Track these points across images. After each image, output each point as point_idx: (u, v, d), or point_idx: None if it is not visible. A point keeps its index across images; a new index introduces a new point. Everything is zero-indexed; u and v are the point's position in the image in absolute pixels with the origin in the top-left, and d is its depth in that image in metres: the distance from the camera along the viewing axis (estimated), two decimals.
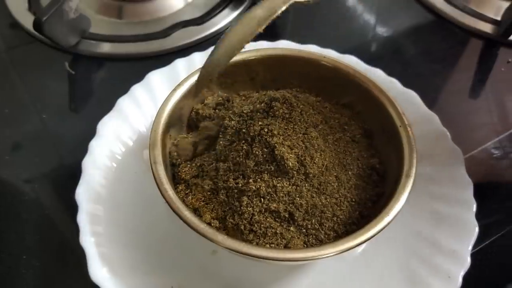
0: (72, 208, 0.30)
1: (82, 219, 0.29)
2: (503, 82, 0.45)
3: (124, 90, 0.36)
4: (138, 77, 0.37)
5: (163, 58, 0.42)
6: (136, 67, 0.42)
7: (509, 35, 0.47)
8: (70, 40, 0.41)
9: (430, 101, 0.38)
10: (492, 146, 0.39)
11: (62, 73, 0.42)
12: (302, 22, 0.50)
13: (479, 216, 0.31)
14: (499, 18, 0.49)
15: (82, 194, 0.30)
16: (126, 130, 0.34)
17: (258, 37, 0.40)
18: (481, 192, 0.33)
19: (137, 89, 0.36)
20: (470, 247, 0.30)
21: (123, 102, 0.35)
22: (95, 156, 0.32)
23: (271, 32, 0.48)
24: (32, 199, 0.34)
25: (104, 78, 0.43)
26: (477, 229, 0.31)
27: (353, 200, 0.29)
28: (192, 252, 0.30)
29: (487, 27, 0.49)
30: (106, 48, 0.43)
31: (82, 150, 0.32)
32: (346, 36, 0.49)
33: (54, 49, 0.43)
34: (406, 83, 0.39)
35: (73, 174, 0.32)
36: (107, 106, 0.35)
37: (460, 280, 0.29)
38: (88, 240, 0.28)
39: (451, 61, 0.47)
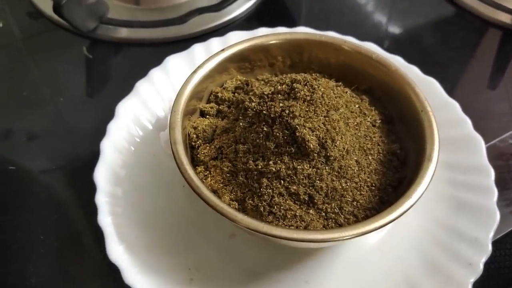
0: (90, 190, 0.30)
1: (100, 199, 0.29)
2: None
3: (141, 74, 0.36)
4: (155, 62, 0.37)
5: (180, 44, 0.42)
6: (153, 52, 0.43)
7: None
8: (88, 25, 0.42)
9: (449, 90, 0.37)
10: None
11: (80, 58, 0.42)
12: (319, 10, 0.50)
13: (499, 205, 0.31)
14: None
15: (101, 174, 0.30)
16: (144, 113, 0.34)
17: (276, 23, 0.40)
18: (500, 182, 0.33)
19: (155, 73, 0.36)
20: (491, 234, 0.30)
21: (142, 86, 0.35)
22: (114, 137, 0.32)
23: (289, 19, 0.48)
24: (49, 180, 0.34)
25: (122, 63, 0.43)
26: (498, 216, 0.30)
27: (373, 185, 0.29)
28: (210, 235, 0.30)
29: (506, 18, 0.48)
30: (124, 33, 0.43)
31: (99, 133, 0.32)
32: (363, 25, 0.49)
33: (72, 34, 0.43)
34: (425, 71, 0.38)
35: (91, 157, 0.32)
36: (124, 90, 0.35)
37: (481, 267, 0.28)
38: (106, 220, 0.28)
39: (469, 51, 0.46)
